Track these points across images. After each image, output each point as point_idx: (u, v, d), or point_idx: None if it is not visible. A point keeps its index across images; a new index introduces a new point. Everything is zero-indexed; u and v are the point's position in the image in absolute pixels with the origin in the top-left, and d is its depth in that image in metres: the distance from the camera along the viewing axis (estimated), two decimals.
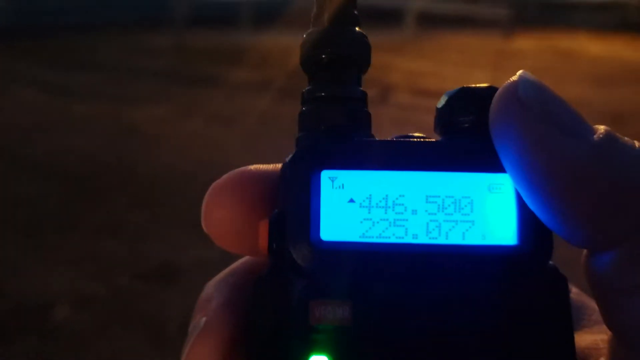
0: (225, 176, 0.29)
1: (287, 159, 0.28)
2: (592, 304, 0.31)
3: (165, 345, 2.18)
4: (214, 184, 0.29)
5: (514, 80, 0.26)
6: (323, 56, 0.30)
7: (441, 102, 0.30)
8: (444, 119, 0.29)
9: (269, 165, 0.30)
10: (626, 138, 0.25)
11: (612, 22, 10.90)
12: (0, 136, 4.37)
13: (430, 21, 10.52)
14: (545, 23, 11.37)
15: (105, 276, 2.63)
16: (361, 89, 0.30)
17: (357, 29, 0.31)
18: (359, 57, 0.30)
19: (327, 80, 0.29)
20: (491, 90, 0.28)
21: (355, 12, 0.31)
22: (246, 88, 6.23)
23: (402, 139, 0.29)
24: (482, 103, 0.28)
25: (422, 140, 0.29)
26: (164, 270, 2.68)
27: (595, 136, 0.24)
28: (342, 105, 0.29)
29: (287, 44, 8.48)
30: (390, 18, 9.93)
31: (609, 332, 0.26)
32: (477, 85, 0.29)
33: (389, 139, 0.29)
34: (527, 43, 10.66)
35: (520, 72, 0.27)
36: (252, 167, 0.30)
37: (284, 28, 7.58)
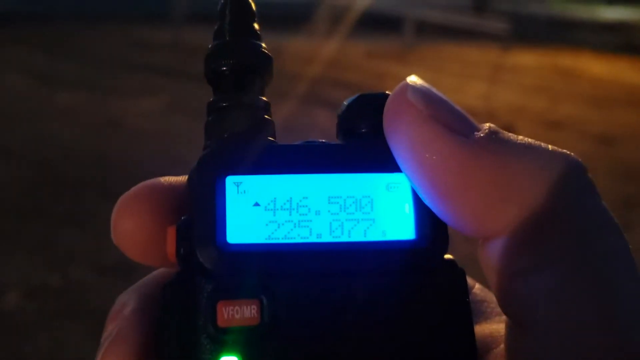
0: (134, 188, 0.30)
1: (194, 166, 0.28)
2: (492, 297, 0.32)
3: None
4: (123, 196, 0.30)
5: (404, 85, 0.28)
6: (224, 68, 0.31)
7: (341, 109, 0.31)
8: (344, 124, 0.31)
9: (180, 177, 0.30)
10: (509, 133, 0.27)
11: (616, 43, 10.90)
12: None
13: (431, 31, 10.52)
14: (549, 40, 11.39)
15: (61, 267, 2.60)
16: (264, 98, 0.31)
17: (257, 41, 0.32)
18: (258, 67, 0.31)
19: (229, 90, 0.30)
20: (386, 96, 0.29)
21: (256, 25, 0.32)
22: None
23: (303, 143, 0.30)
24: (378, 109, 0.29)
25: (323, 143, 0.30)
26: (122, 266, 2.65)
27: (479, 133, 0.27)
28: (244, 113, 0.30)
29: (280, 43, 8.49)
30: (390, 26, 9.94)
31: (507, 320, 0.28)
32: (374, 92, 0.31)
33: (291, 144, 0.30)
34: (527, 58, 10.64)
35: (409, 77, 0.29)
36: (163, 178, 0.30)
37: (277, 27, 7.57)
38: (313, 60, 8.24)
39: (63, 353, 2.03)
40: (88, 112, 4.84)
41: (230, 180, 0.28)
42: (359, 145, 0.29)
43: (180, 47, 8.33)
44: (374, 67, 8.19)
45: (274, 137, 0.31)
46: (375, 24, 11.86)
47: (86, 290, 2.45)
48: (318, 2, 8.60)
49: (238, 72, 0.31)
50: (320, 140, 0.30)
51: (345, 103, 0.31)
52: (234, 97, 0.30)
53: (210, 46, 0.32)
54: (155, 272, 0.32)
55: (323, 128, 5.12)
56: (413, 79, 0.29)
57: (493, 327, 0.30)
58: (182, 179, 0.30)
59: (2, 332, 2.13)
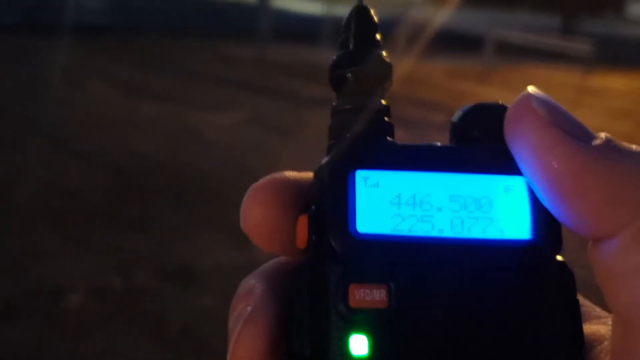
0: (263, 179, 0.32)
1: (324, 162, 0.31)
2: (589, 303, 0.35)
3: (164, 346, 2.17)
4: (253, 186, 0.32)
5: (527, 94, 0.30)
6: (349, 74, 0.33)
7: (456, 116, 0.33)
8: (459, 130, 0.32)
9: (301, 173, 0.33)
10: (624, 142, 0.29)
11: None
12: (65, 128, 4.52)
13: (513, 51, 10.30)
14: (638, 63, 10.95)
15: (125, 271, 2.65)
16: (384, 102, 0.34)
17: (379, 50, 0.34)
18: (380, 73, 0.34)
19: (353, 94, 0.33)
20: (501, 107, 0.31)
21: (378, 36, 0.35)
22: (314, 103, 6.24)
23: (427, 145, 0.32)
24: (494, 117, 0.31)
25: (444, 145, 0.32)
26: (183, 272, 2.68)
27: (596, 141, 0.29)
28: (367, 115, 0.32)
29: None
30: (472, 45, 9.79)
31: (609, 322, 0.31)
32: (488, 102, 0.32)
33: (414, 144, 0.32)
34: (614, 81, 10.26)
35: (530, 87, 0.31)
36: (288, 172, 0.33)
37: None
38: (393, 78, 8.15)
39: (116, 354, 2.06)
40: (169, 123, 4.96)
41: (360, 175, 0.30)
42: (478, 148, 0.31)
43: (263, 62, 8.46)
44: (453, 86, 8.09)
45: (393, 139, 0.33)
46: (456, 43, 11.72)
47: (146, 295, 2.48)
48: (399, 20, 8.57)
49: (362, 79, 0.33)
50: (438, 143, 0.32)
51: (461, 111, 0.33)
52: (358, 101, 0.33)
53: (336, 55, 0.34)
54: (274, 260, 0.34)
55: None
56: (534, 89, 0.31)
57: (593, 328, 0.33)
58: (304, 174, 0.33)
59: (62, 330, 2.19)
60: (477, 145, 0.31)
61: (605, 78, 10.22)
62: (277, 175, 0.32)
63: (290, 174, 0.33)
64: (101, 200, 3.33)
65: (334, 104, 0.34)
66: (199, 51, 8.99)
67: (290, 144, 4.79)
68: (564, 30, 15.27)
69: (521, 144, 0.29)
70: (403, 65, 9.21)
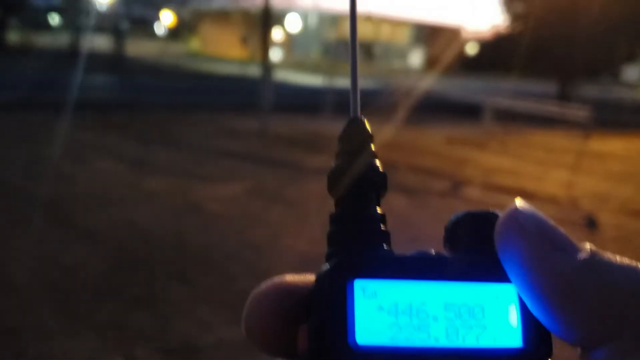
0: (263, 286, 0.33)
1: (324, 270, 0.31)
2: None
3: None
4: (254, 293, 0.32)
5: (515, 209, 0.31)
6: (344, 185, 0.35)
7: (449, 223, 0.34)
8: (452, 237, 0.33)
9: (300, 276, 0.33)
10: (608, 253, 0.31)
11: None
12: (69, 204, 4.54)
13: (515, 119, 10.41)
14: (636, 126, 11.04)
15: (127, 348, 2.61)
16: (380, 211, 0.35)
17: (374, 160, 0.36)
18: (376, 185, 0.35)
19: (350, 204, 0.34)
20: (491, 215, 0.32)
21: (372, 146, 0.36)
22: (316, 173, 6.28)
23: (421, 254, 0.33)
24: (485, 226, 0.32)
25: (437, 254, 0.33)
26: (186, 349, 2.64)
27: (582, 252, 0.30)
28: (364, 224, 0.33)
29: None
30: (471, 113, 9.90)
31: None
32: (480, 210, 0.33)
33: (409, 253, 0.33)
34: (612, 145, 10.33)
35: (517, 201, 0.32)
36: (288, 277, 0.33)
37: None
38: (393, 147, 8.27)
39: None
40: (171, 196, 4.97)
41: (358, 284, 0.31)
42: (470, 257, 0.32)
43: (265, 134, 8.55)
44: (453, 154, 8.14)
45: (390, 247, 0.34)
46: (455, 111, 11.87)
47: None
48: (398, 88, 8.70)
49: (358, 189, 0.34)
50: (431, 250, 0.33)
51: (453, 218, 0.34)
52: (355, 210, 0.34)
53: (333, 165, 0.36)
54: None
55: (398, 213, 5.06)
56: (522, 203, 0.32)
57: None
58: (305, 278, 0.33)
59: None
60: (469, 254, 0.33)
61: (604, 142, 10.29)
62: (277, 280, 0.33)
63: (291, 278, 0.33)
64: (104, 277, 3.31)
65: (333, 212, 0.35)
66: (202, 125, 9.10)
67: (292, 214, 4.79)
68: (561, 95, 15.46)
69: (510, 255, 0.31)
70: (404, 133, 9.31)
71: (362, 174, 0.34)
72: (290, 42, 36.81)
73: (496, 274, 0.31)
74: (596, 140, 8.51)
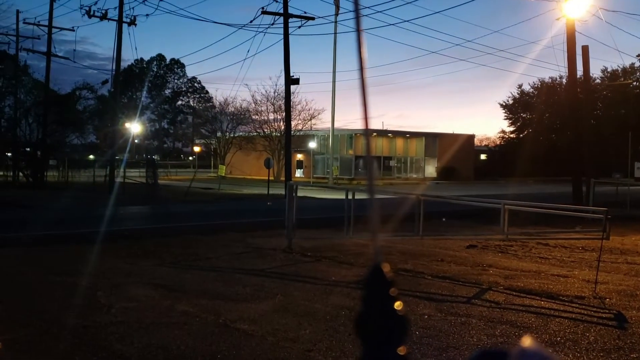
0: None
1: None
2: None
3: None
4: None
5: (522, 350, 0.32)
6: (372, 330, 0.37)
7: None
8: None
9: None
10: None
11: None
12: (101, 333, 4.47)
13: (537, 221, 10.30)
14: None
15: None
16: (398, 354, 0.37)
17: (395, 303, 0.38)
18: (396, 327, 0.37)
19: (372, 346, 0.36)
20: (503, 354, 0.32)
21: (393, 291, 0.38)
22: (342, 286, 6.18)
23: None
24: None
25: None
26: None
27: None
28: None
29: (384, 244, 8.48)
30: (491, 218, 9.81)
31: None
32: (493, 348, 0.38)
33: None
34: (632, 241, 10.14)
35: (526, 340, 0.33)
36: None
37: (382, 230, 7.62)
38: (418, 255, 8.17)
39: None
40: (202, 319, 4.89)
41: None
42: None
43: (290, 250, 8.52)
44: (476, 259, 8.00)
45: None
46: (478, 217, 11.80)
47: None
48: (412, 199, 8.69)
49: (380, 334, 0.35)
50: None
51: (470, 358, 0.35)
52: (378, 354, 0.35)
53: (359, 311, 0.38)
54: None
55: (425, 322, 4.90)
56: (529, 343, 0.33)
57: None
58: None
59: None
60: None
61: (623, 238, 10.10)
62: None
63: None
64: None
65: (359, 351, 0.36)
66: (230, 245, 9.10)
67: (320, 329, 4.66)
68: (576, 195, 15.36)
69: None
70: (425, 241, 9.22)
71: (384, 319, 0.35)
72: (311, 162, 37.52)
73: None
74: (617, 237, 8.33)
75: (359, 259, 7.83)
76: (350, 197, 8.75)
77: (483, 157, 49.26)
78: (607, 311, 5.37)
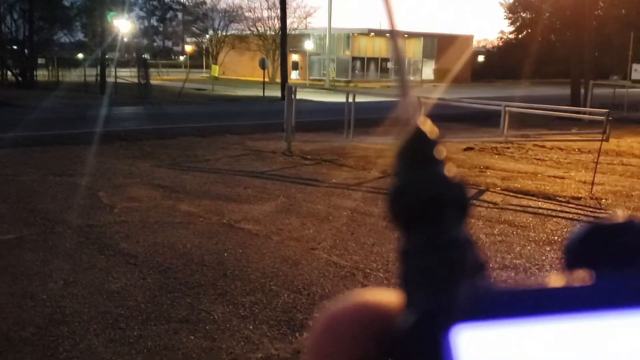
0: (342, 307, 0.25)
1: (411, 322, 0.23)
2: None
3: None
4: (330, 315, 0.24)
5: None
6: (415, 204, 0.26)
7: (575, 240, 0.25)
8: (583, 258, 0.24)
9: (386, 295, 0.25)
10: None
11: None
12: (106, 232, 4.56)
13: (533, 123, 10.32)
14: None
15: None
16: (464, 233, 0.25)
17: (443, 166, 0.27)
18: (455, 200, 0.26)
19: (425, 229, 0.25)
20: (634, 225, 0.24)
21: (442, 156, 0.27)
22: (344, 188, 6.27)
23: (539, 287, 0.23)
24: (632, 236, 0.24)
25: (576, 285, 0.23)
26: None
27: None
28: (451, 254, 0.25)
29: (382, 147, 8.57)
30: (492, 120, 9.84)
31: None
32: (610, 222, 0.24)
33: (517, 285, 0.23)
34: (629, 143, 10.23)
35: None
36: (371, 299, 0.25)
37: (380, 132, 7.65)
38: None
39: None
40: (207, 219, 4.98)
41: (465, 336, 0.22)
42: (624, 279, 0.23)
43: (291, 153, 8.56)
44: (473, 161, 8.08)
45: (487, 277, 0.25)
46: (475, 119, 11.80)
47: None
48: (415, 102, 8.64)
49: (435, 208, 0.25)
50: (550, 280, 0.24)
51: (580, 233, 0.25)
52: (435, 238, 0.25)
53: (393, 185, 0.27)
54: None
55: None
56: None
57: None
58: (388, 299, 0.25)
59: None
60: (616, 276, 0.23)
61: (620, 141, 10.18)
62: (358, 304, 0.25)
63: (375, 302, 0.25)
64: (149, 301, 3.31)
65: (403, 244, 0.26)
66: (229, 147, 9.12)
67: (324, 229, 4.77)
68: (574, 97, 15.33)
69: None
70: None
71: (436, 189, 0.26)
72: (306, 63, 36.97)
73: None
74: (613, 139, 8.39)
75: (359, 162, 7.88)
76: (350, 100, 8.70)
77: (481, 59, 48.71)
78: (603, 211, 5.49)
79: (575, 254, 0.24)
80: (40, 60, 26.62)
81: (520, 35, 47.66)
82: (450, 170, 0.26)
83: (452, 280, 0.24)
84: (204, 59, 42.88)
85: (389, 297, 0.25)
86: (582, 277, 0.23)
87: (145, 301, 3.30)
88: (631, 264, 0.23)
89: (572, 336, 0.21)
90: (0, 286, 3.48)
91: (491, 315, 0.22)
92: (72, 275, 3.66)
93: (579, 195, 6.15)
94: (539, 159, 8.53)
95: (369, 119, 9.02)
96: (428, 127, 0.27)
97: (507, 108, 7.70)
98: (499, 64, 42.89)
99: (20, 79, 24.18)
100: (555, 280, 0.23)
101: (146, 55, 24.06)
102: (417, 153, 0.26)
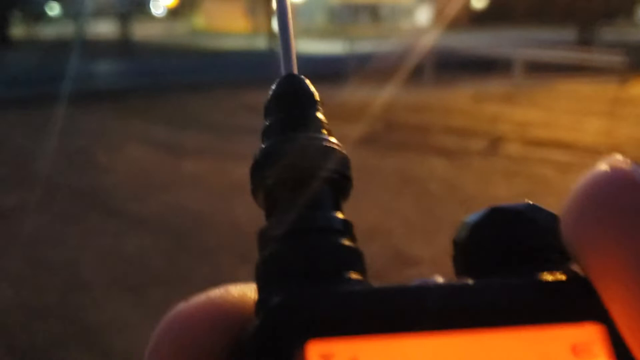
0: (188, 305, 0.21)
1: (253, 328, 0.19)
2: None
3: None
4: (173, 313, 0.21)
5: (622, 169, 0.18)
6: (282, 176, 0.21)
7: (462, 232, 0.21)
8: (474, 252, 0.21)
9: (241, 291, 0.22)
10: None
11: None
12: (111, 194, 4.55)
13: (541, 69, 10.30)
14: None
15: None
16: (342, 217, 0.21)
17: (322, 134, 0.23)
18: (332, 174, 0.22)
19: (290, 210, 0.21)
20: (533, 208, 0.21)
21: (322, 118, 0.23)
22: (346, 142, 6.25)
23: (424, 285, 0.19)
24: (527, 226, 0.21)
25: (451, 283, 0.20)
26: None
27: None
28: (318, 241, 0.20)
29: (387, 98, 8.53)
30: (496, 68, 9.80)
31: None
32: (508, 204, 0.21)
33: (402, 284, 0.19)
34: None
35: (615, 155, 0.19)
36: (228, 298, 0.21)
37: (384, 83, 7.61)
38: (422, 109, 8.21)
39: None
40: (214, 177, 4.97)
41: (316, 351, 0.18)
42: (511, 284, 0.19)
43: None
44: (483, 111, 8.07)
45: (364, 274, 0.20)
46: (481, 67, 11.75)
47: None
48: (415, 48, 8.61)
49: (301, 182, 0.21)
50: (437, 279, 0.21)
51: (469, 222, 0.21)
52: (299, 221, 0.20)
53: (259, 151, 0.23)
54: None
55: (440, 177, 5.04)
56: (619, 159, 0.18)
57: None
58: (243, 296, 0.21)
59: None
60: (513, 278, 0.20)
61: (636, 86, 10.17)
62: (205, 299, 0.22)
63: (230, 296, 0.21)
64: (169, 264, 3.33)
65: (263, 227, 0.22)
66: (222, 102, 9.07)
67: None
68: (581, 41, 15.27)
69: (612, 259, 0.17)
70: (429, 93, 9.23)
71: (309, 160, 0.21)
72: (294, 10, 36.42)
73: (567, 309, 0.18)
74: (629, 85, 8.40)
75: (362, 114, 7.86)
76: (350, 47, 8.64)
77: (479, 3, 48.22)
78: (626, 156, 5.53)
79: (466, 246, 0.21)
80: (14, 16, 26.14)
81: None
82: (329, 137, 0.23)
83: (312, 276, 0.20)
84: (183, 11, 42.28)
85: (246, 292, 0.21)
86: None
87: (164, 264, 3.31)
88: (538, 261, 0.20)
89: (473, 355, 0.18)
90: (13, 251, 3.48)
91: (359, 328, 0.18)
92: (84, 240, 3.66)
93: (596, 143, 6.18)
94: (552, 107, 8.54)
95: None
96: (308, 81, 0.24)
97: (514, 53, 7.69)
98: (498, 6, 42.51)
99: None
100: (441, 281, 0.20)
101: (125, 8, 23.68)
102: (292, 109, 0.23)
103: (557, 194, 4.76)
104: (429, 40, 10.15)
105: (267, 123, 0.24)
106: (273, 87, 0.24)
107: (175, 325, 0.21)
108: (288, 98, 0.24)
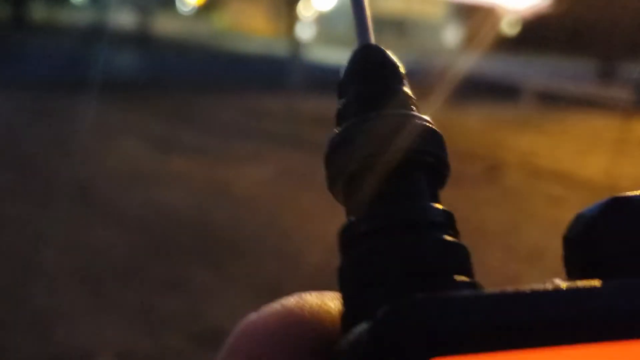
0: (263, 314, 0.19)
1: (349, 339, 0.16)
2: None
3: None
4: (247, 324, 0.19)
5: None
6: (370, 161, 0.19)
7: (578, 226, 0.19)
8: (592, 251, 0.18)
9: (320, 303, 0.19)
10: None
11: None
12: (95, 183, 4.59)
13: (555, 99, 10.27)
14: None
15: (157, 333, 2.65)
16: (440, 206, 0.19)
17: (414, 112, 0.20)
18: (428, 155, 0.20)
19: (379, 202, 0.18)
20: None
21: (410, 93, 0.20)
22: None
23: (551, 290, 0.16)
24: None
25: (573, 288, 0.16)
26: (214, 333, 2.67)
27: None
28: (424, 238, 0.18)
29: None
30: (506, 94, 9.80)
31: None
32: (633, 193, 0.19)
33: (515, 289, 0.16)
34: None
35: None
36: (306, 307, 0.19)
37: None
38: None
39: None
40: (199, 178, 5.00)
41: None
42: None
43: (293, 114, 8.55)
44: (488, 136, 8.08)
45: (472, 274, 0.18)
46: (494, 92, 11.74)
47: (177, 358, 2.47)
48: (430, 67, 8.63)
49: (395, 171, 0.19)
50: (554, 283, 0.17)
51: (585, 214, 0.19)
52: (391, 213, 0.18)
53: (333, 135, 0.21)
54: None
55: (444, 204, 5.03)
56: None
57: None
58: (325, 308, 0.19)
59: None
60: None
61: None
62: (287, 312, 0.19)
63: (311, 311, 0.19)
64: (131, 259, 3.36)
65: (347, 223, 0.19)
66: (229, 104, 9.12)
67: (322, 199, 4.79)
68: (602, 74, 15.21)
69: None
70: (437, 113, 9.22)
71: (402, 142, 0.19)
72: (320, 18, 36.66)
73: None
74: (635, 122, 8.36)
75: None
76: None
77: (511, 29, 48.22)
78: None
79: (583, 245, 0.19)
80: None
81: (555, 9, 47.08)
82: (423, 116, 0.20)
83: (418, 279, 0.17)
84: (208, 10, 42.56)
85: (325, 301, 0.20)
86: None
87: (127, 259, 3.35)
88: None
89: None
90: None
91: (485, 343, 0.15)
92: (52, 228, 3.70)
93: (595, 181, 6.15)
94: (557, 139, 8.51)
95: None
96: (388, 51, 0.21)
97: (527, 82, 7.68)
98: (530, 35, 42.46)
99: (12, 19, 24.03)
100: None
101: (148, 1, 23.91)
102: (373, 85, 0.20)
103: (541, 228, 4.77)
104: (452, 63, 10.16)
105: (344, 101, 0.21)
106: (347, 60, 0.21)
107: (251, 337, 0.19)
108: (368, 71, 0.21)
